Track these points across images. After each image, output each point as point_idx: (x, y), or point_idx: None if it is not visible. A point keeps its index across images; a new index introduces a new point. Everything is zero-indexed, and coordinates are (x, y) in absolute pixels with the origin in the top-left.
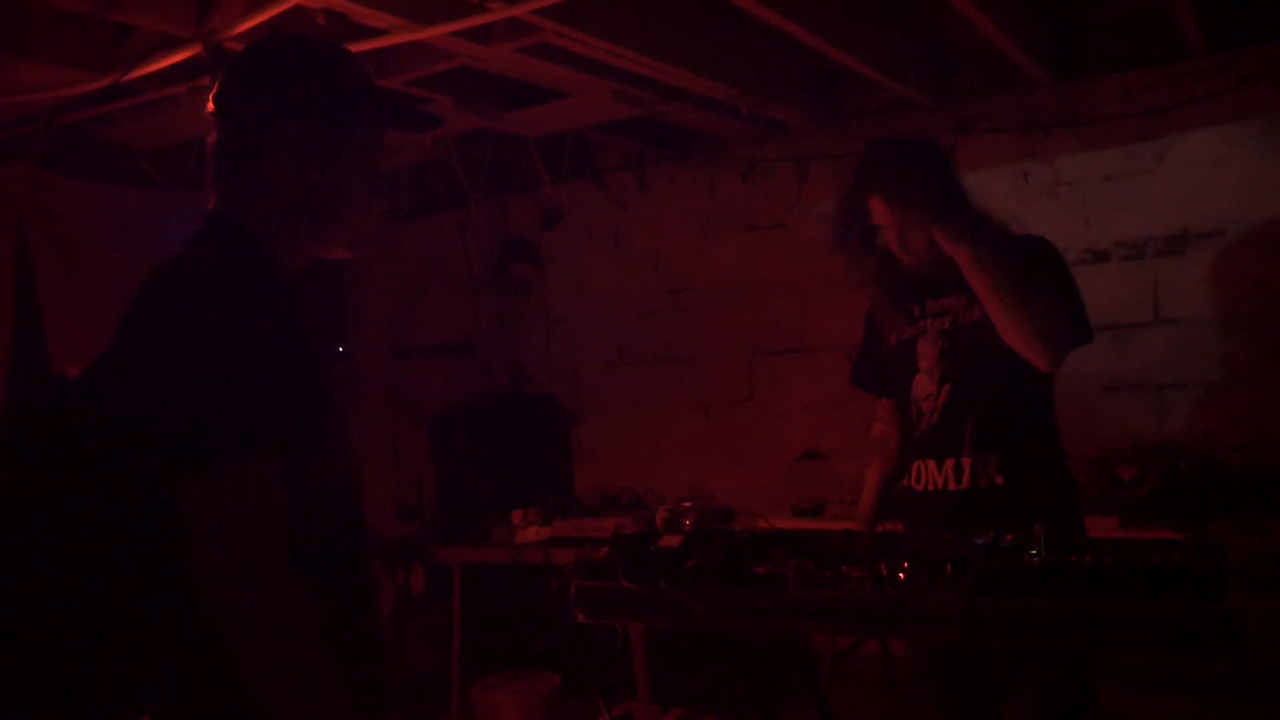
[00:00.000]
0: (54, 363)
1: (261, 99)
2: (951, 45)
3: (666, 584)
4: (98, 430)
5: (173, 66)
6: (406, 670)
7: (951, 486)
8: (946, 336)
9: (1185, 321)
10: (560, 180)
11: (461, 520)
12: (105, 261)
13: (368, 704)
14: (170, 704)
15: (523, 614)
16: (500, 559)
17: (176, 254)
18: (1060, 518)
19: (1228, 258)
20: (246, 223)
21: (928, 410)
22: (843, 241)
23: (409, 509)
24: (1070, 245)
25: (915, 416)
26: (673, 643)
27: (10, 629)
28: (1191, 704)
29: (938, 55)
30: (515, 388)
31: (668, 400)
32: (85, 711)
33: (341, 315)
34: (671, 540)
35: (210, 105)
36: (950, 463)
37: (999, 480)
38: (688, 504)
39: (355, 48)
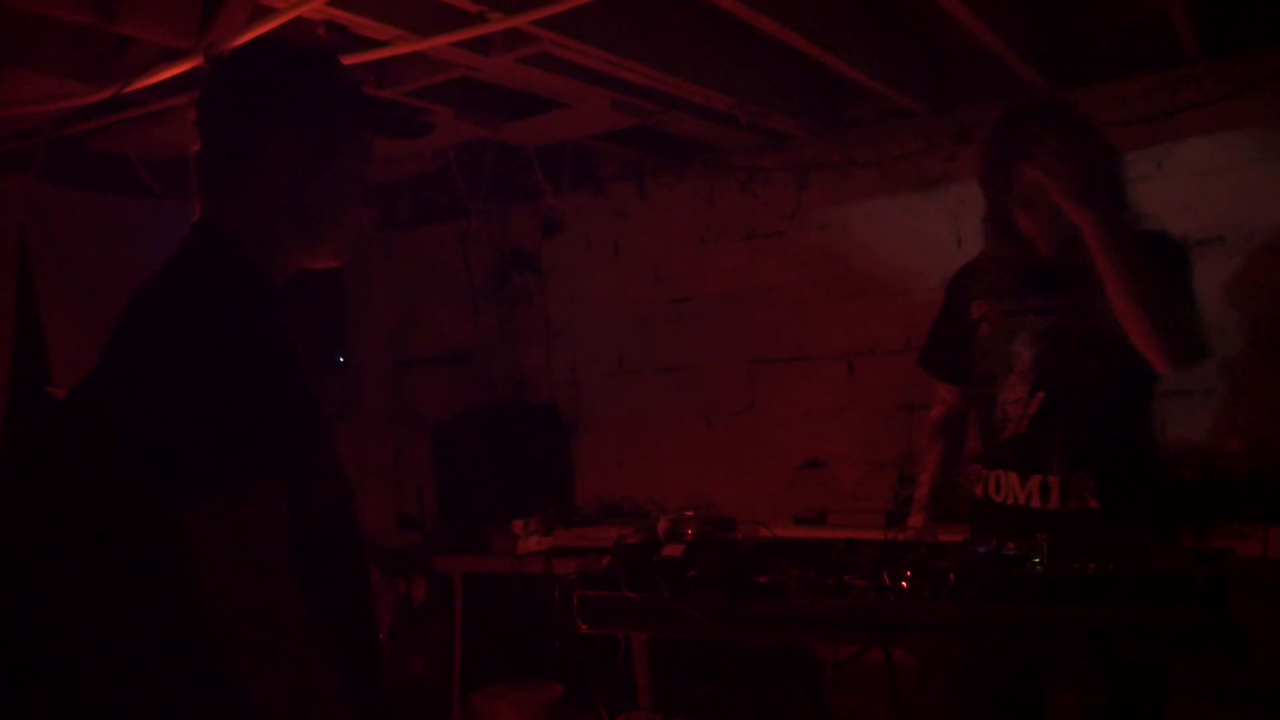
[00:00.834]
0: (54, 374)
1: (250, 107)
2: (949, 53)
3: (669, 593)
4: (90, 453)
5: (174, 78)
6: (408, 680)
7: (1036, 505)
8: (1048, 339)
9: None
10: (560, 190)
11: (462, 530)
12: (106, 273)
13: (370, 715)
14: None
15: (524, 624)
16: (501, 569)
17: (164, 267)
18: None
19: (1227, 264)
20: (236, 234)
21: (1014, 416)
22: (994, 228)
23: (410, 519)
24: None
25: (999, 419)
26: (675, 652)
27: (9, 646)
28: (1190, 708)
29: (936, 63)
30: (516, 397)
31: (668, 409)
32: None
33: (341, 326)
34: (673, 549)
35: (193, 113)
36: (1036, 480)
37: (1092, 504)
38: (690, 513)
39: (356, 59)
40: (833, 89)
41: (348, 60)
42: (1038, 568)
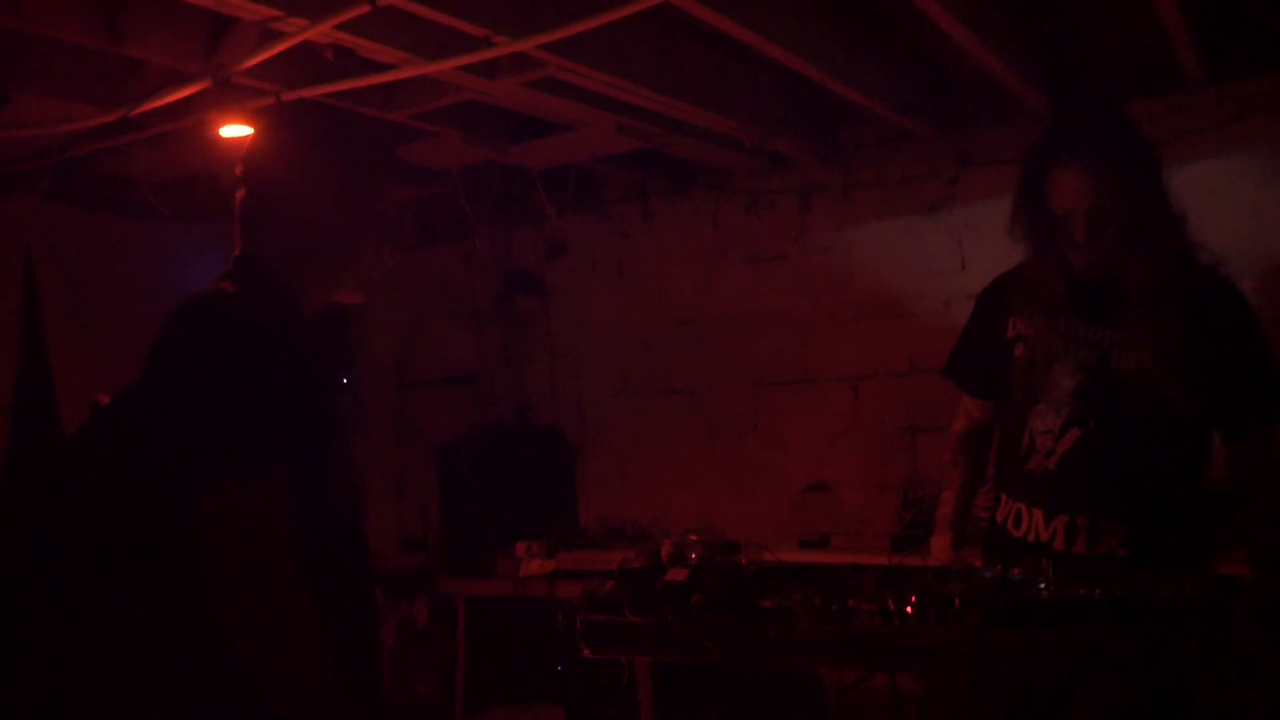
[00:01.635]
0: (58, 393)
1: (282, 164)
2: (951, 76)
3: (673, 618)
4: (134, 446)
5: (181, 101)
6: (410, 703)
7: (1059, 545)
8: (1089, 373)
9: None
10: (564, 212)
11: (466, 552)
12: (112, 294)
13: (368, 707)
14: (178, 704)
15: (527, 647)
16: (504, 591)
17: (206, 289)
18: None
19: None
20: (271, 269)
21: (1043, 448)
22: (1032, 242)
23: (413, 541)
24: None
25: (1026, 447)
26: (679, 677)
27: (21, 631)
28: None
29: (938, 86)
30: (519, 419)
31: (672, 431)
32: (95, 713)
33: (348, 347)
34: (677, 573)
35: (239, 170)
36: (1063, 520)
37: (1121, 552)
38: (693, 536)
39: (363, 82)
40: (835, 112)
41: (355, 84)
42: (1043, 593)
